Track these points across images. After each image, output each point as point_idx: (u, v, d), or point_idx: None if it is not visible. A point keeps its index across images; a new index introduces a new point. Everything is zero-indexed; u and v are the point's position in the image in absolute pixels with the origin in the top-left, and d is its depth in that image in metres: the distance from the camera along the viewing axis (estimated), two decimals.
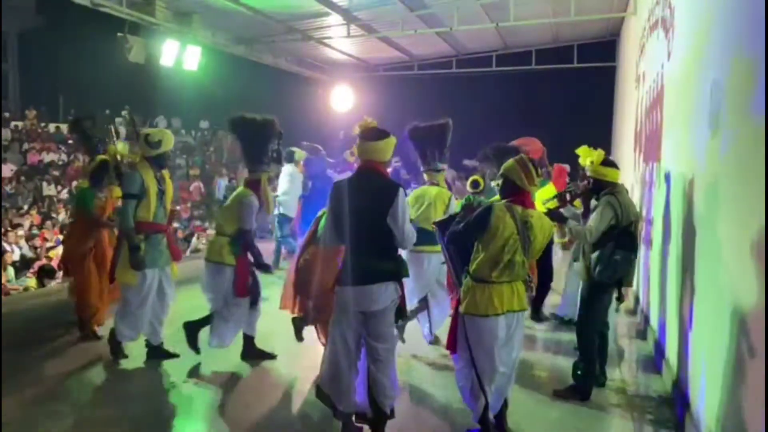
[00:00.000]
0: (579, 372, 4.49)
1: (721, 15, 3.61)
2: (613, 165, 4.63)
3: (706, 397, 3.41)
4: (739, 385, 2.85)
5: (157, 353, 5.09)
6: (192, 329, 5.09)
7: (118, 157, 5.70)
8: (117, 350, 5.08)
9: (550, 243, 3.78)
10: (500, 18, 11.05)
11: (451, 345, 3.80)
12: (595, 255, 4.33)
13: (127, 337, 5.04)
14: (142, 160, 4.96)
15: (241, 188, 5.11)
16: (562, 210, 4.76)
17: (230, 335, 5.05)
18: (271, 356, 5.18)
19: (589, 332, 4.49)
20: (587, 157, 4.72)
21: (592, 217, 4.37)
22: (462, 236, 3.70)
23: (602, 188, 4.49)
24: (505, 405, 3.84)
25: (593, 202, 4.67)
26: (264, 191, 5.10)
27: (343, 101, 15.44)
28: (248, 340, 5.17)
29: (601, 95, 14.31)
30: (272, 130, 5.11)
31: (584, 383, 4.47)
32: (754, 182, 2.69)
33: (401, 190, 3.61)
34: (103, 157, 5.76)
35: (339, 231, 3.66)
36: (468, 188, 6.11)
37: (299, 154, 8.91)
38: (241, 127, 5.12)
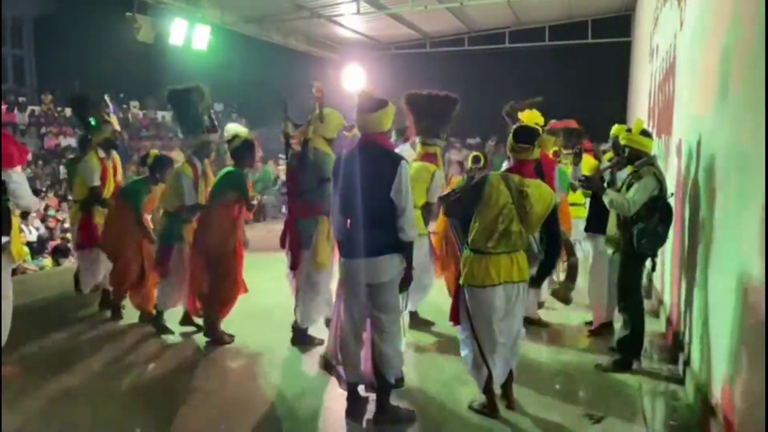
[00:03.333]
0: (624, 343, 4.48)
1: None
2: (649, 135, 4.56)
3: (718, 373, 3.38)
4: (753, 363, 2.81)
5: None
6: None
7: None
8: (305, 340, 4.97)
9: (555, 213, 3.73)
10: None
11: (455, 317, 3.80)
12: (638, 227, 4.25)
13: (316, 322, 5.05)
14: (324, 142, 4.86)
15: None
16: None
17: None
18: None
19: (632, 303, 4.46)
20: (620, 132, 4.71)
21: (635, 188, 4.26)
22: (458, 207, 3.68)
23: (637, 158, 4.41)
24: (510, 376, 3.83)
25: (620, 174, 4.63)
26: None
27: (354, 80, 15.35)
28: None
29: (616, 71, 14.05)
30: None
31: (629, 354, 4.46)
32: (762, 151, 2.63)
33: (404, 162, 3.58)
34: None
35: (344, 204, 3.65)
36: (469, 164, 6.06)
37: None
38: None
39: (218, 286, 4.97)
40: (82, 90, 5.98)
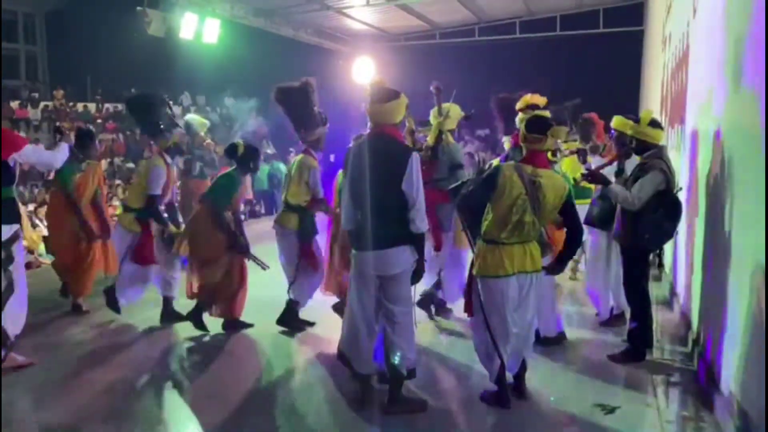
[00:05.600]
0: (633, 334, 4.48)
1: None
2: (659, 125, 4.50)
3: (731, 364, 3.36)
4: (760, 348, 2.79)
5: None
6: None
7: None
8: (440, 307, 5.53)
9: (571, 204, 3.71)
10: None
11: (468, 308, 3.80)
12: (643, 221, 4.22)
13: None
14: (448, 133, 5.31)
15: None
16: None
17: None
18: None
19: (638, 295, 4.46)
20: (624, 126, 4.67)
21: (640, 183, 4.21)
22: (472, 198, 3.68)
23: (646, 149, 4.36)
24: (523, 367, 3.84)
25: (628, 165, 4.60)
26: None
27: (364, 72, 15.32)
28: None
29: (628, 61, 13.91)
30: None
31: (639, 345, 4.46)
32: None
33: (415, 154, 3.58)
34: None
35: (354, 196, 3.66)
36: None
37: None
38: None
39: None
40: (143, 90, 5.85)
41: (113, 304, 5.45)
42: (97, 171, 5.96)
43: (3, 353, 4.12)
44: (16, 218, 4.31)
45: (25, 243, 4.70)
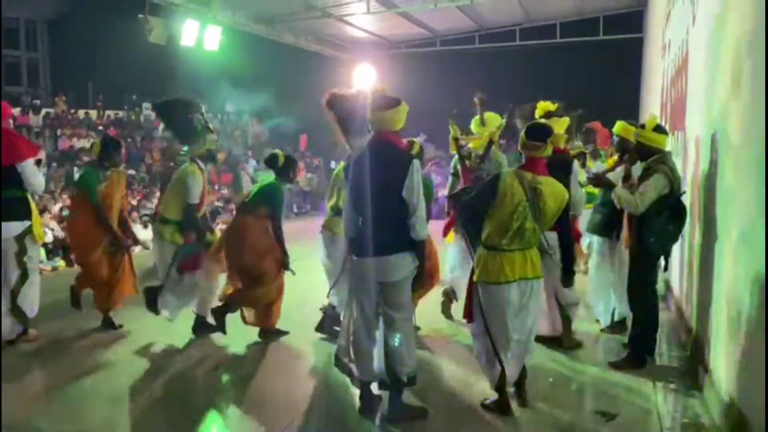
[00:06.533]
0: (634, 341, 4.47)
1: None
2: (664, 131, 4.52)
3: (732, 370, 3.36)
4: (760, 353, 2.80)
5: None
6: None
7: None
8: None
9: (567, 209, 3.73)
10: None
11: (468, 314, 3.81)
12: (647, 225, 4.23)
13: None
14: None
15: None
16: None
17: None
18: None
19: (641, 301, 4.45)
20: (626, 131, 4.69)
21: (644, 186, 4.24)
22: (473, 205, 3.68)
23: (650, 155, 4.37)
24: (523, 374, 3.83)
25: (634, 169, 4.62)
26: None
27: (365, 80, 15.38)
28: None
29: (628, 67, 13.94)
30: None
31: (640, 352, 4.45)
32: None
33: (416, 161, 3.59)
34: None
35: (355, 203, 3.67)
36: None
37: None
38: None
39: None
40: (175, 95, 5.35)
41: (152, 305, 5.25)
42: (123, 179, 5.66)
43: (22, 330, 5.01)
44: (28, 215, 4.98)
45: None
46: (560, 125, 4.84)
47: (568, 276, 3.96)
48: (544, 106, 5.19)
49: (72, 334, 5.35)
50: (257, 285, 4.98)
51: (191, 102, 5.36)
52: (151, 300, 5.25)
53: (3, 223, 4.80)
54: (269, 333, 5.15)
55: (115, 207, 5.46)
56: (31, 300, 5.02)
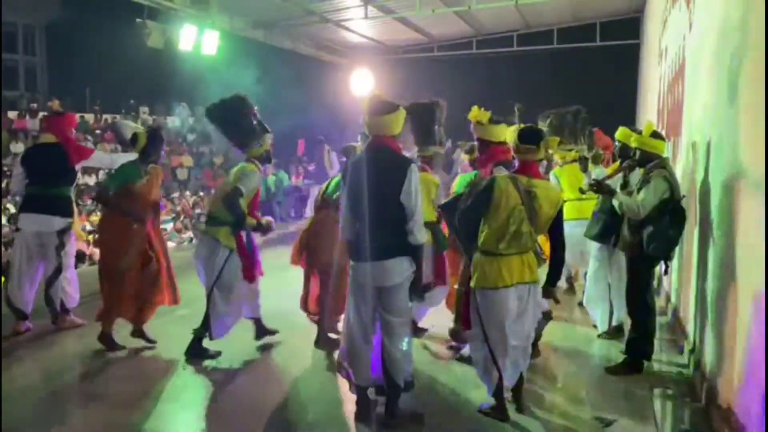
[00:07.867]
0: (632, 346, 4.47)
1: None
2: (661, 137, 4.55)
3: (729, 376, 3.36)
4: (765, 367, 2.79)
5: None
6: None
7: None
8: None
9: (560, 218, 3.73)
10: None
11: (465, 320, 3.80)
12: (648, 230, 4.25)
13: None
14: None
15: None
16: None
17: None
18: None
19: (640, 306, 4.45)
20: (627, 137, 4.70)
21: (645, 191, 4.25)
22: (469, 211, 3.68)
23: (648, 161, 4.40)
24: (521, 380, 3.82)
25: (634, 176, 4.62)
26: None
27: (362, 85, 15.39)
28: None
29: (625, 73, 13.98)
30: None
31: (637, 357, 4.45)
32: None
33: (413, 166, 3.60)
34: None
35: (353, 207, 3.66)
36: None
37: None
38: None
39: None
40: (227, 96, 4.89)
41: (201, 355, 4.70)
42: (161, 175, 5.19)
43: (59, 317, 5.41)
44: (71, 213, 5.42)
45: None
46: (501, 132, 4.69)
47: (553, 284, 3.90)
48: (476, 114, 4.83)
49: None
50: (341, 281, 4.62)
51: (245, 98, 4.91)
52: (198, 351, 4.72)
53: (48, 217, 5.24)
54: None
55: (153, 204, 5.05)
56: (69, 291, 5.43)
